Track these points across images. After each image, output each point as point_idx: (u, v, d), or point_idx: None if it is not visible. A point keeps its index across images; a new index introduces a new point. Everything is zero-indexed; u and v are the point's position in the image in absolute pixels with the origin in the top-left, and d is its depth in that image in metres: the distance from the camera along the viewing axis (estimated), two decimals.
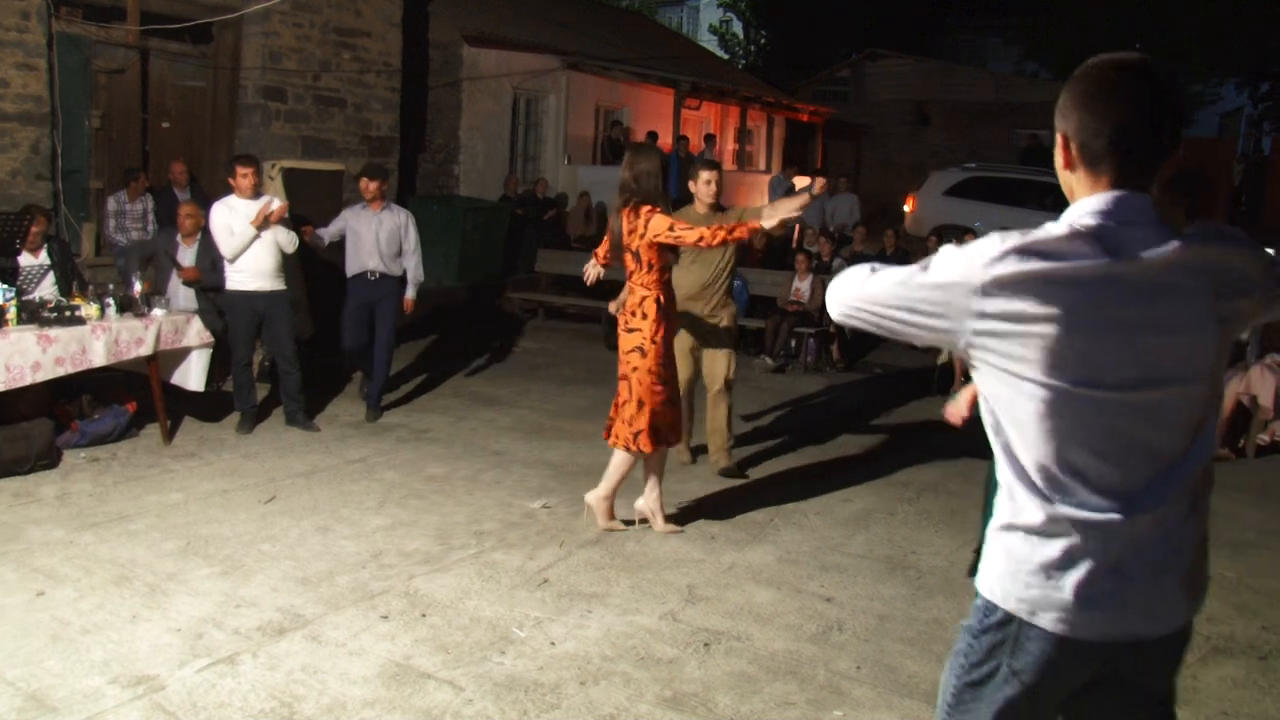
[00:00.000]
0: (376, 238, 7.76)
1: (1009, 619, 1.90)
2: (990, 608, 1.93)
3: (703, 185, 6.38)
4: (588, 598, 4.71)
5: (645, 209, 5.29)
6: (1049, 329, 1.75)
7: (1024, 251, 1.76)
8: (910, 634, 4.45)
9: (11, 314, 6.24)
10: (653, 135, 18.02)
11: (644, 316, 5.36)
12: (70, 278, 7.37)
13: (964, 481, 6.72)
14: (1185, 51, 26.45)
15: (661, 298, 5.40)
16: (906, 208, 17.93)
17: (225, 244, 7.23)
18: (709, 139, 19.39)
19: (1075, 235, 1.79)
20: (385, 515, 5.74)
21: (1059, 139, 1.90)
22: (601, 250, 5.82)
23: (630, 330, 5.39)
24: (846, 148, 25.94)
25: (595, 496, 5.62)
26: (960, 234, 12.40)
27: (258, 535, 5.34)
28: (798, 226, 16.99)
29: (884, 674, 4.09)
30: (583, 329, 12.25)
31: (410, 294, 7.97)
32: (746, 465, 6.93)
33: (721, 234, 5.25)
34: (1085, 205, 1.84)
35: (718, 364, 6.59)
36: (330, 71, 12.17)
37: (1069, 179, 1.90)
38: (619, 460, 5.50)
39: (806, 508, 6.14)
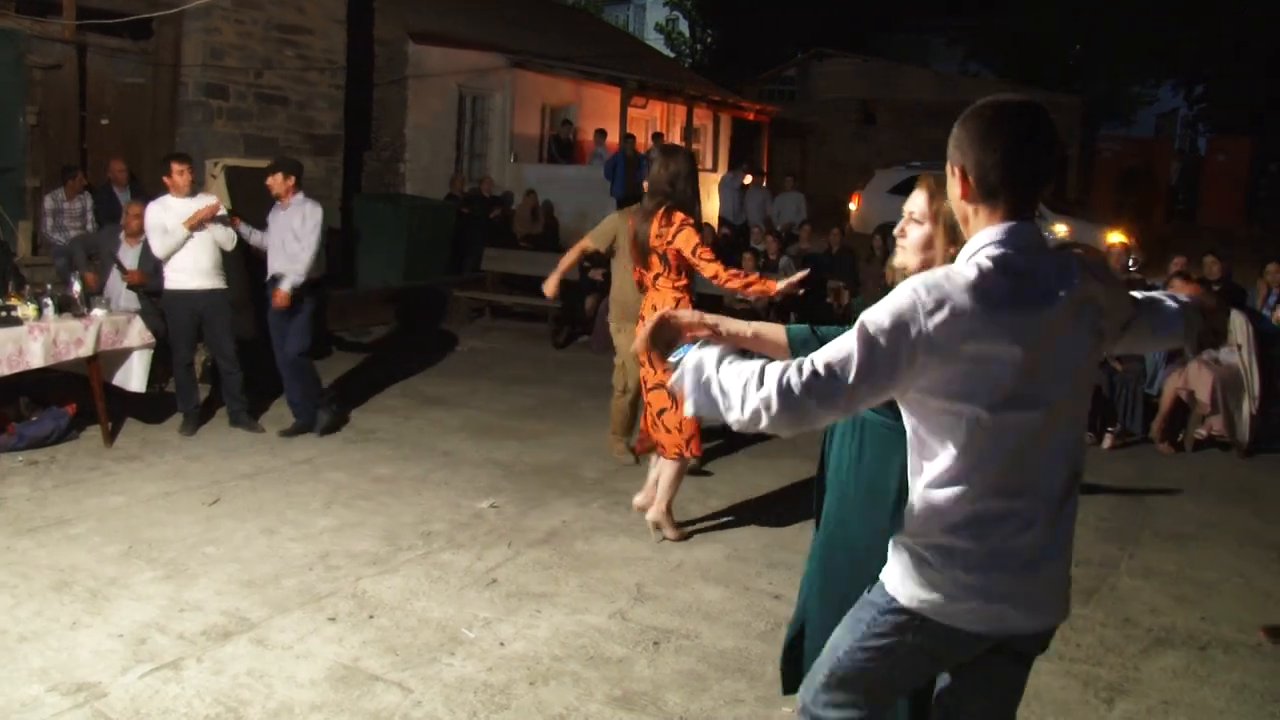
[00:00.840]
0: (282, 239, 7.26)
1: (910, 611, 2.17)
2: (893, 600, 2.20)
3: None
4: (537, 597, 4.70)
5: (679, 216, 5.30)
6: (986, 365, 1.97)
7: (948, 301, 1.95)
8: None
9: None
10: (601, 133, 18.01)
11: None
12: (6, 278, 7.23)
13: None
14: (1123, 52, 26.95)
15: (691, 300, 5.43)
16: (851, 206, 18.09)
17: (158, 243, 7.11)
18: (656, 138, 19.41)
19: (990, 272, 1.99)
20: (332, 516, 5.69)
21: (957, 172, 2.11)
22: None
23: None
24: (793, 146, 26.12)
25: (658, 514, 5.49)
26: None
27: (202, 538, 5.27)
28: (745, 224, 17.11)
29: None
30: (530, 328, 12.21)
31: (284, 286, 7.16)
32: (690, 464, 6.96)
33: (736, 283, 5.25)
34: (988, 237, 2.05)
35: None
36: (273, 69, 12.03)
37: (965, 208, 2.12)
38: (672, 472, 5.44)
39: (754, 505, 6.18)
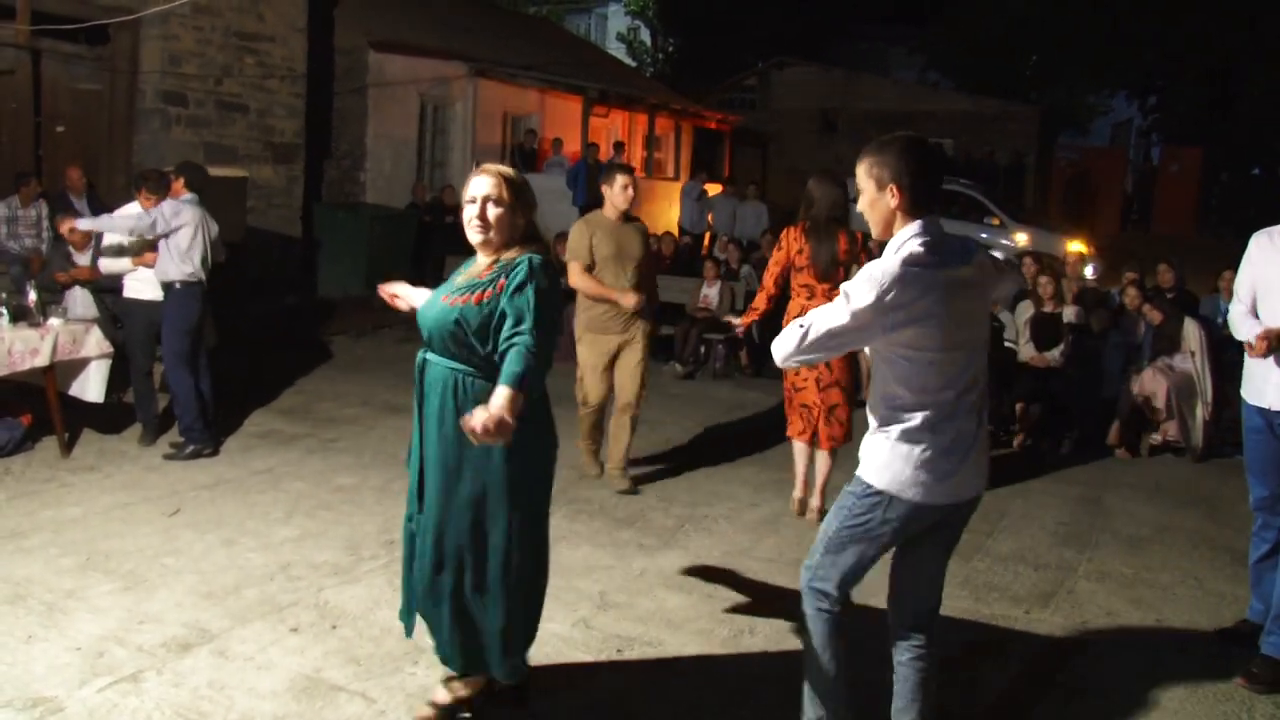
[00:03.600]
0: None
1: (882, 493, 3.08)
2: (869, 485, 3.12)
3: (619, 190, 6.28)
4: None
5: (860, 234, 5.85)
6: (931, 320, 2.93)
7: (905, 276, 2.90)
8: None
9: None
10: (558, 141, 18.02)
11: None
12: None
13: None
14: (1076, 62, 27.31)
15: None
16: None
17: (108, 260, 7.04)
18: (618, 146, 19.42)
19: (926, 255, 2.93)
20: (293, 526, 5.65)
21: (892, 187, 2.98)
22: (772, 281, 6.09)
23: None
24: (753, 155, 26.25)
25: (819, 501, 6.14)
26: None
27: (161, 549, 5.22)
28: (707, 234, 17.17)
29: (794, 676, 4.15)
30: None
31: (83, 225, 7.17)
32: (652, 472, 6.97)
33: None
34: (915, 230, 2.99)
35: (628, 382, 6.47)
36: (232, 76, 11.97)
37: (895, 214, 3.02)
38: (831, 461, 6.10)
39: (715, 513, 6.20)
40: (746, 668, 4.19)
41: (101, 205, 9.72)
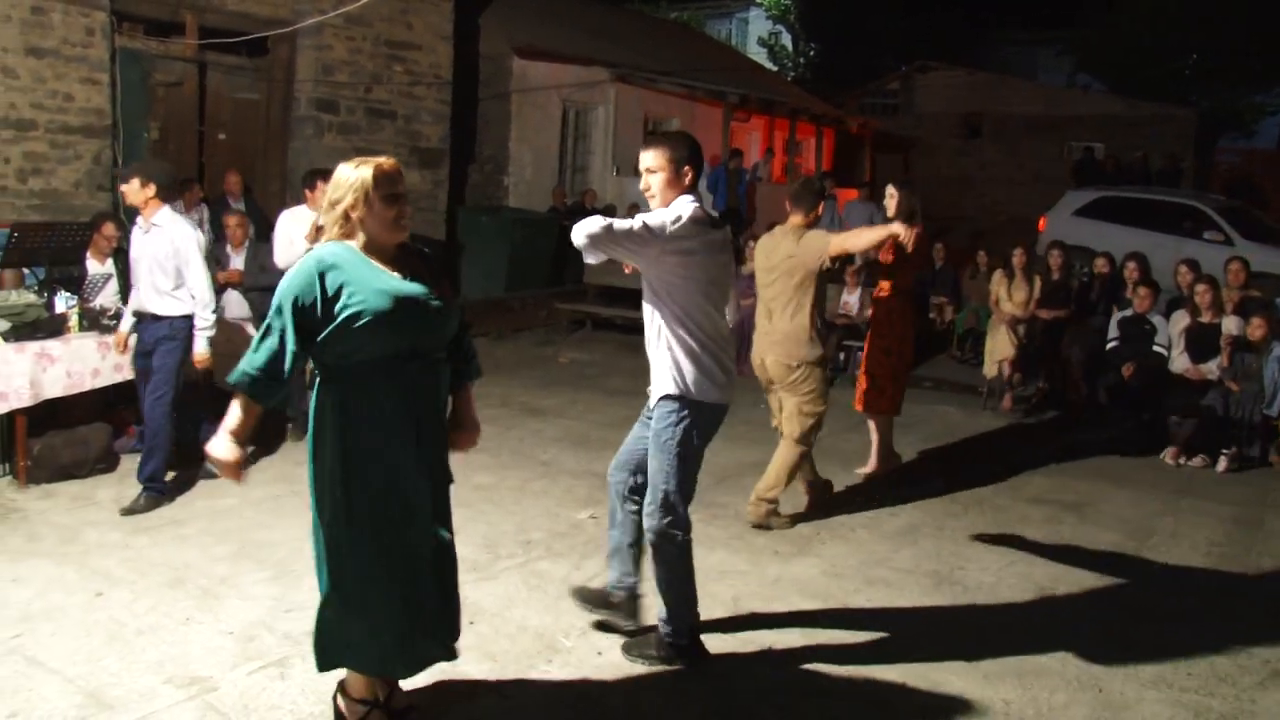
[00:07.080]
0: (139, 264, 6.02)
1: (689, 402, 3.94)
2: (677, 402, 3.94)
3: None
4: None
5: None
6: (693, 256, 3.90)
7: (682, 219, 3.89)
8: (956, 648, 4.42)
9: (73, 321, 6.38)
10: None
11: None
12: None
13: (1012, 497, 6.67)
14: (1240, 62, 26.01)
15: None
16: (1038, 227, 17.37)
17: (283, 253, 7.29)
18: (767, 154, 19.29)
19: (696, 214, 3.92)
20: None
21: (684, 170, 3.95)
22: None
23: None
24: (895, 160, 25.81)
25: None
26: (1089, 257, 11.73)
27: (308, 542, 5.37)
28: None
29: (929, 688, 4.07)
30: (629, 340, 12.23)
31: (200, 348, 6.00)
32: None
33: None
34: (688, 199, 3.94)
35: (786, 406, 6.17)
36: (381, 84, 12.34)
37: (675, 192, 3.96)
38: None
39: (853, 521, 6.12)
40: (884, 678, 4.12)
41: (257, 209, 10.14)
